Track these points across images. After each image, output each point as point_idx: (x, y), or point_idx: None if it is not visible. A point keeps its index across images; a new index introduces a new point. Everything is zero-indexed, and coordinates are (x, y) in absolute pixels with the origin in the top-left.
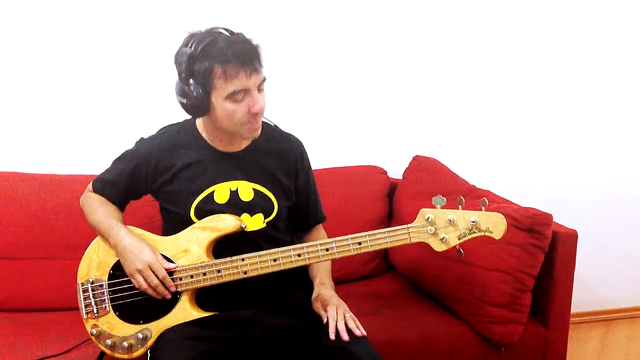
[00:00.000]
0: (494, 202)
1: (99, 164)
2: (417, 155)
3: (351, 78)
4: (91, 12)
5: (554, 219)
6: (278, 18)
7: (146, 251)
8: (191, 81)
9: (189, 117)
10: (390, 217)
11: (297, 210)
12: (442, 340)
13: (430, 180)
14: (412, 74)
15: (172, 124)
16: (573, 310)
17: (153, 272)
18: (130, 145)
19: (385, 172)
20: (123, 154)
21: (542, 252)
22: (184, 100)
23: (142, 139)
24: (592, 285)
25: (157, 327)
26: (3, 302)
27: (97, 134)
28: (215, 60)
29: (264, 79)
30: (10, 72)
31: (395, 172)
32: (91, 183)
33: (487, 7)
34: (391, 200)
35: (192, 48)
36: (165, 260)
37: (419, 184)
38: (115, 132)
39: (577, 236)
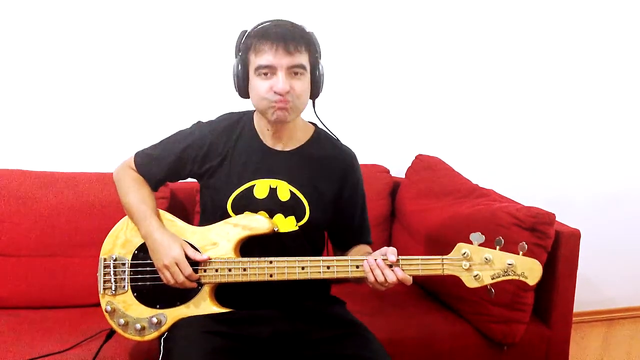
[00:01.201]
0: (497, 201)
1: (102, 162)
2: (419, 154)
3: (354, 77)
4: (96, 13)
5: (556, 219)
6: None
7: (174, 247)
8: (237, 58)
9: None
10: (392, 216)
11: (339, 226)
12: (444, 339)
13: (433, 179)
14: (415, 73)
15: (233, 112)
16: (575, 309)
17: (179, 268)
18: (130, 144)
19: (387, 171)
20: (176, 133)
21: (545, 252)
22: (233, 77)
23: (199, 122)
24: (594, 284)
25: (172, 315)
26: (6, 299)
27: (101, 132)
28: (254, 35)
29: (301, 65)
30: (14, 70)
31: (398, 170)
32: (133, 155)
33: (490, 6)
34: (393, 199)
35: (248, 29)
36: (196, 252)
37: (422, 183)
38: (119, 131)
39: (579, 236)
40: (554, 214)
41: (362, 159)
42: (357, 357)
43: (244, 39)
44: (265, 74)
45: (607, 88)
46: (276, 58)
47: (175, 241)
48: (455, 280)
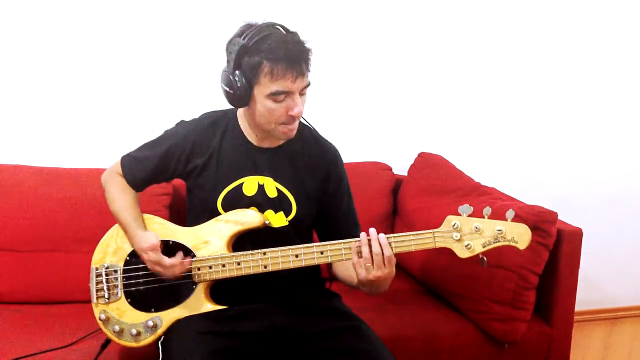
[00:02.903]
0: (499, 200)
1: (104, 158)
2: (422, 152)
3: (356, 74)
4: (95, 9)
5: (558, 217)
6: (282, 15)
7: (147, 239)
8: (237, 72)
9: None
10: (394, 214)
11: (326, 222)
12: (446, 337)
13: (435, 177)
14: (417, 70)
15: (216, 111)
16: (577, 308)
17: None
18: (132, 140)
19: (390, 169)
20: (161, 134)
21: (547, 250)
22: (228, 89)
23: (182, 121)
24: (596, 283)
25: (168, 317)
26: (8, 294)
27: (102, 128)
28: (265, 56)
29: (309, 84)
30: (15, 66)
31: (401, 168)
32: (120, 158)
33: (492, 4)
34: (396, 196)
35: (246, 40)
36: (184, 256)
37: (424, 181)
38: (120, 127)
39: (581, 234)
40: (556, 213)
41: (364, 157)
42: (356, 350)
43: (245, 53)
44: (281, 99)
45: (609, 87)
46: (295, 84)
47: (148, 236)
48: (457, 277)
